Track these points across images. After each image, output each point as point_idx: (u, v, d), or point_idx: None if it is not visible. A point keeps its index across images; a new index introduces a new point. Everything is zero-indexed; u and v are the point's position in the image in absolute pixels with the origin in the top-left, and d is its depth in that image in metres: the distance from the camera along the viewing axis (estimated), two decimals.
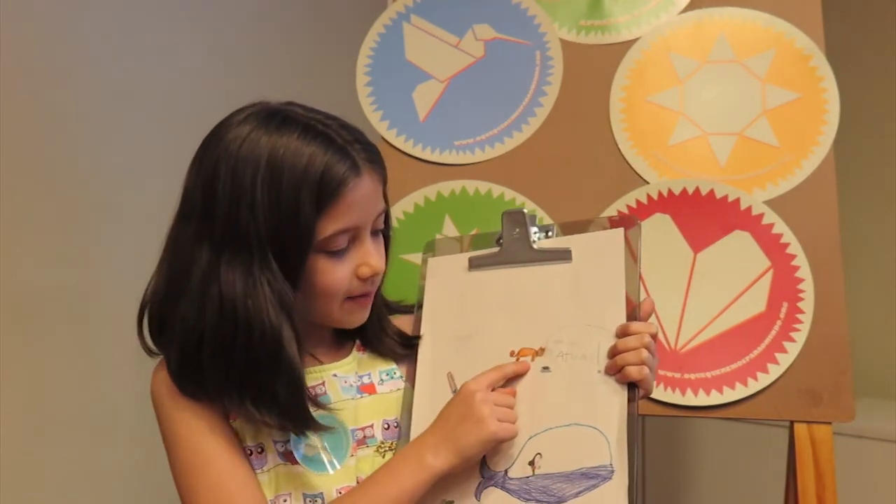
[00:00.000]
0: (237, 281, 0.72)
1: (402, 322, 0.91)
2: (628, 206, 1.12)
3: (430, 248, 0.93)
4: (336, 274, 0.75)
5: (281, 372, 0.73)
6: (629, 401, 0.76)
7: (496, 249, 0.88)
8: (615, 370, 0.77)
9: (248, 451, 0.76)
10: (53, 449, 1.43)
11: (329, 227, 0.73)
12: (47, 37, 1.44)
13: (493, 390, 0.78)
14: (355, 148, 0.75)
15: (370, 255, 0.77)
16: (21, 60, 1.40)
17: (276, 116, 0.75)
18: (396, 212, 1.18)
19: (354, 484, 0.78)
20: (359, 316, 0.81)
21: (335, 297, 0.77)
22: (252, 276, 0.72)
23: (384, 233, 0.83)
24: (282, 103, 0.78)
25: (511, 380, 0.81)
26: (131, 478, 1.52)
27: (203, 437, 0.74)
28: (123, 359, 1.50)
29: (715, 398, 1.03)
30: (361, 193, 0.74)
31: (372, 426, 0.82)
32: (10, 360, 1.37)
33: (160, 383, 0.77)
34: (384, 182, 0.80)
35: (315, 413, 0.76)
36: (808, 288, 1.04)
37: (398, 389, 0.85)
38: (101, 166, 1.52)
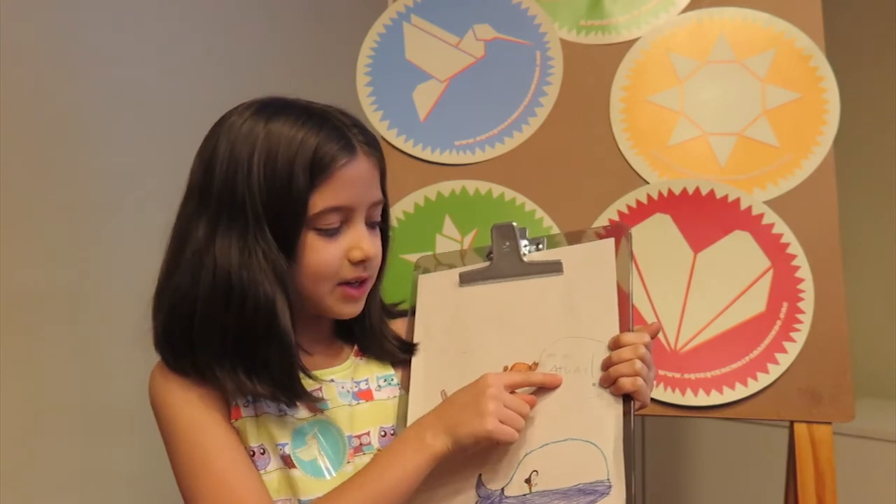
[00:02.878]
0: (232, 250, 0.73)
1: (400, 326, 0.90)
2: (628, 206, 1.12)
3: (421, 266, 0.93)
4: (327, 253, 0.76)
5: (274, 341, 0.73)
6: (624, 413, 0.75)
7: (486, 264, 0.88)
8: (609, 382, 0.76)
9: (251, 452, 0.76)
10: (53, 448, 1.43)
11: (320, 202, 0.74)
12: (47, 37, 1.44)
13: (512, 392, 0.76)
14: (352, 131, 0.77)
15: (363, 239, 0.77)
16: (21, 60, 1.40)
17: (278, 103, 0.77)
18: (396, 212, 1.18)
19: None
20: (350, 308, 0.80)
21: (326, 278, 0.77)
22: (247, 246, 0.73)
23: (382, 228, 0.83)
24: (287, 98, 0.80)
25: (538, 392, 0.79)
26: (131, 477, 1.52)
27: (203, 432, 0.74)
28: (123, 358, 1.50)
29: (715, 398, 1.03)
30: (355, 173, 0.76)
31: (368, 433, 0.81)
32: (10, 359, 1.37)
33: (158, 381, 0.77)
34: (382, 172, 0.81)
35: (318, 418, 0.77)
36: (808, 288, 1.04)
37: (395, 396, 0.85)
38: (101, 166, 1.52)
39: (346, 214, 0.77)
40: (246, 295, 0.72)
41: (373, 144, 0.79)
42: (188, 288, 0.74)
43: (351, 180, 0.75)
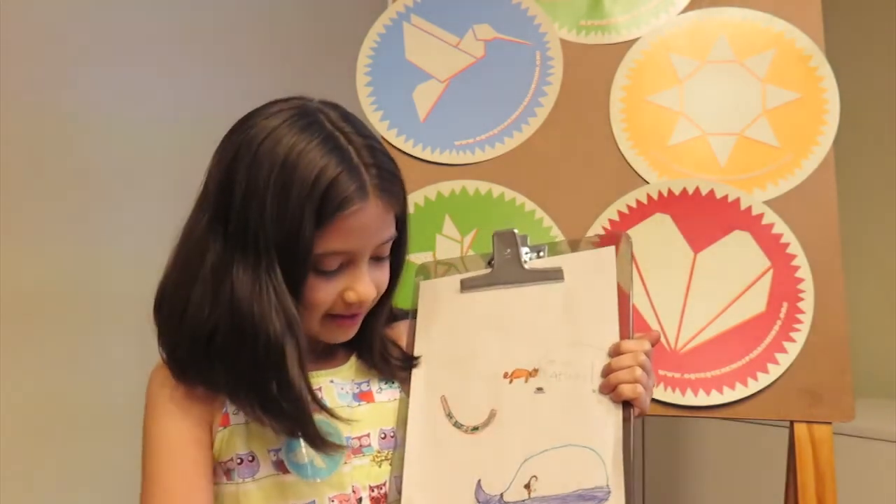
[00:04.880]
0: (247, 280, 0.71)
1: (402, 330, 0.90)
2: (628, 206, 1.12)
3: (423, 271, 0.93)
4: (321, 292, 0.74)
5: (284, 388, 0.72)
6: (624, 420, 0.75)
7: (487, 271, 0.88)
8: (609, 389, 0.76)
9: (239, 460, 0.76)
10: (53, 448, 1.43)
11: (322, 245, 0.72)
12: (47, 37, 1.44)
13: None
14: (371, 172, 0.73)
15: (361, 281, 0.75)
16: (21, 60, 1.40)
17: (305, 118, 0.73)
18: None
19: (348, 492, 0.77)
20: (340, 334, 0.79)
21: (315, 312, 0.76)
22: (259, 280, 0.71)
23: (394, 260, 0.81)
24: (320, 103, 0.77)
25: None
26: (131, 477, 1.51)
27: (169, 443, 0.74)
28: (123, 358, 1.50)
29: (715, 398, 1.03)
30: (363, 220, 0.73)
31: (368, 435, 0.81)
32: (10, 359, 1.37)
33: (154, 383, 0.77)
34: (400, 210, 0.78)
35: (316, 417, 0.76)
36: (808, 288, 1.04)
37: (396, 399, 0.84)
38: (101, 165, 1.52)
39: (348, 257, 0.74)
40: (258, 332, 0.71)
41: (389, 189, 0.74)
42: (210, 309, 0.72)
43: (357, 228, 0.72)
